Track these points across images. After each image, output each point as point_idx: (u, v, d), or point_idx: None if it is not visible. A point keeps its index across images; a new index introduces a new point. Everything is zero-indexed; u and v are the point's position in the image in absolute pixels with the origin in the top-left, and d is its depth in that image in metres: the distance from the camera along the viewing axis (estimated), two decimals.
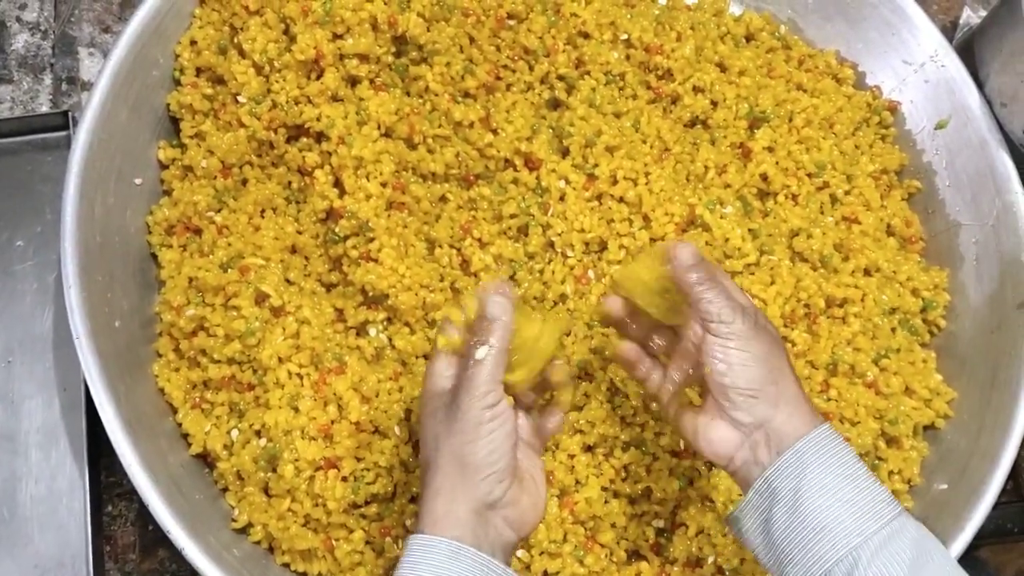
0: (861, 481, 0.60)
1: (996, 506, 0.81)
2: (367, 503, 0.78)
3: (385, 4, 0.86)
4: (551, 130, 0.90)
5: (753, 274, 0.86)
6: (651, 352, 0.71)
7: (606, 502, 0.78)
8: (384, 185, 0.84)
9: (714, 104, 0.94)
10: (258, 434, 0.77)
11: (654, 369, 0.70)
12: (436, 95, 0.88)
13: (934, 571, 0.58)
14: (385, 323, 0.83)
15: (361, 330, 0.83)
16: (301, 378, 0.79)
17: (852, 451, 0.61)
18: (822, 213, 0.92)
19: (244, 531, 0.78)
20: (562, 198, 0.87)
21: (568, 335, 0.84)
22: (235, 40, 0.87)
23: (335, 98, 0.86)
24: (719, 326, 0.62)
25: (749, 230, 0.87)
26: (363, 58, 0.87)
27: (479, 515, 0.61)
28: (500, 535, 0.62)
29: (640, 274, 0.68)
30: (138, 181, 0.85)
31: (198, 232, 0.85)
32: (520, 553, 0.76)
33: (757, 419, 0.62)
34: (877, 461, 0.84)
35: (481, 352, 0.61)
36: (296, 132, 0.86)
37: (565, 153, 0.89)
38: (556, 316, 0.66)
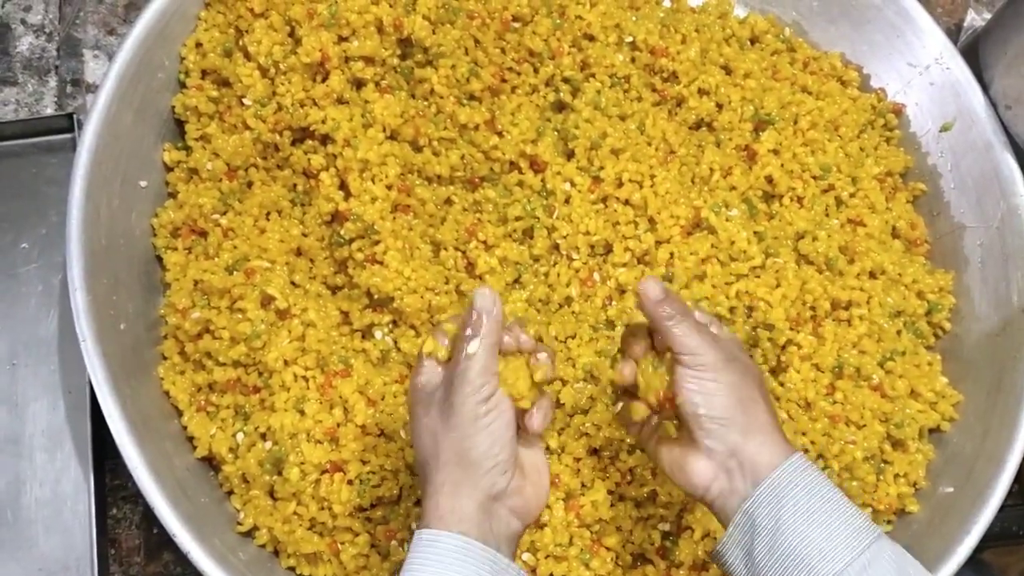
0: (837, 507, 0.60)
1: (1001, 509, 0.81)
2: (373, 506, 0.78)
3: (390, 7, 0.86)
4: (556, 132, 0.89)
5: (759, 276, 0.86)
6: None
7: (612, 505, 0.78)
8: (389, 188, 0.84)
9: (719, 106, 0.94)
10: (263, 437, 0.77)
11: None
12: (441, 97, 0.88)
13: None
14: (391, 326, 0.83)
15: (367, 333, 0.83)
16: (307, 381, 0.79)
17: (826, 479, 0.62)
18: (827, 215, 0.92)
19: (249, 534, 0.78)
20: (567, 200, 0.87)
21: (573, 338, 0.84)
22: (240, 42, 0.87)
23: (340, 101, 0.86)
24: (690, 357, 0.63)
25: (755, 232, 0.87)
26: (368, 61, 0.87)
27: (484, 508, 0.61)
28: (507, 526, 0.63)
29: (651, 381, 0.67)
30: (143, 183, 0.85)
31: (203, 235, 0.85)
32: (526, 556, 0.76)
33: (728, 447, 0.62)
34: (883, 464, 0.84)
35: (473, 346, 0.61)
36: (301, 135, 0.86)
37: (570, 155, 0.89)
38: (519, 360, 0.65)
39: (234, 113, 0.86)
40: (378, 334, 0.83)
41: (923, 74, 1.00)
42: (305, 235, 0.85)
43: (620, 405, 0.70)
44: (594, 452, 0.80)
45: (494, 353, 0.62)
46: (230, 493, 0.79)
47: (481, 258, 0.85)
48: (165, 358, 0.82)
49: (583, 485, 0.79)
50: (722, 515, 0.64)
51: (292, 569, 0.78)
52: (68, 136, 0.94)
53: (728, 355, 0.64)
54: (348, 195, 0.83)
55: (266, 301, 0.80)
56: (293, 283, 0.83)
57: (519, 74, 0.92)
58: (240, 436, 0.78)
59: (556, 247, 0.86)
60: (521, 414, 0.65)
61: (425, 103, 0.89)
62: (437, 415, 0.62)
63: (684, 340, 0.63)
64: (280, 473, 0.76)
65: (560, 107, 0.93)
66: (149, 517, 0.85)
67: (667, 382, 0.65)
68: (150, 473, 0.73)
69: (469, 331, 0.61)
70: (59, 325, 0.90)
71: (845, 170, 0.94)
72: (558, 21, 0.92)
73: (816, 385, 0.84)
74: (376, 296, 0.82)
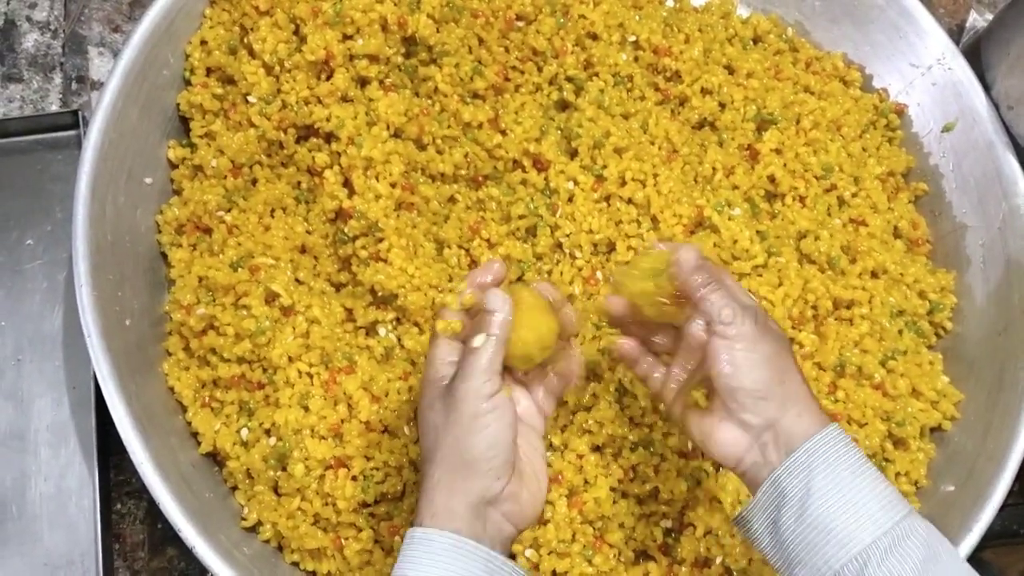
0: (870, 481, 0.59)
1: (1002, 508, 0.82)
2: (376, 502, 0.78)
3: (395, 5, 0.87)
4: (560, 131, 0.90)
5: (761, 276, 0.86)
6: (654, 350, 0.71)
7: (614, 502, 0.79)
8: (393, 186, 0.84)
9: (722, 106, 0.95)
10: (268, 433, 0.78)
11: (655, 367, 0.70)
12: (445, 96, 0.88)
13: (944, 571, 0.57)
14: (394, 323, 0.84)
15: (371, 330, 0.84)
16: (311, 377, 0.79)
17: (860, 451, 0.61)
18: (829, 215, 0.92)
19: (254, 530, 0.78)
20: (570, 199, 0.87)
21: (576, 336, 0.84)
22: (245, 40, 0.87)
23: (345, 99, 0.87)
24: (725, 328, 0.62)
25: (757, 232, 0.87)
26: (373, 59, 0.87)
27: (476, 510, 0.60)
28: (500, 530, 0.62)
29: (635, 278, 0.67)
30: (148, 180, 0.85)
31: (208, 231, 0.85)
32: (528, 553, 0.76)
33: (766, 420, 0.61)
34: (884, 462, 0.84)
35: (479, 340, 0.60)
36: (306, 132, 0.87)
37: (573, 154, 0.89)
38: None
39: (239, 110, 0.86)
40: (382, 331, 0.83)
41: (925, 74, 1.00)
42: (309, 232, 0.86)
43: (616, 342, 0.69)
44: (597, 449, 0.80)
45: (500, 352, 0.61)
46: (234, 488, 0.80)
47: (484, 256, 0.85)
48: (170, 354, 0.82)
49: (586, 482, 0.79)
50: (752, 485, 0.63)
51: (296, 564, 0.78)
52: (73, 133, 0.95)
53: (763, 326, 0.63)
54: (352, 193, 0.84)
55: (270, 298, 0.80)
56: (297, 280, 0.84)
57: (523, 73, 0.92)
58: (245, 432, 0.78)
59: (559, 245, 0.87)
60: (540, 356, 0.64)
61: (429, 101, 0.89)
62: (440, 410, 0.62)
63: (721, 309, 0.61)
64: (284, 469, 0.77)
65: (563, 106, 0.93)
66: (153, 512, 0.85)
67: (652, 288, 0.64)
68: (155, 468, 0.73)
69: (477, 328, 0.61)
70: (64, 321, 0.90)
71: (847, 170, 0.94)
72: (562, 20, 0.92)
73: (818, 384, 0.84)
74: (380, 293, 0.83)
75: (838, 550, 0.57)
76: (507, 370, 0.65)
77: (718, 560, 0.78)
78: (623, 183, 0.87)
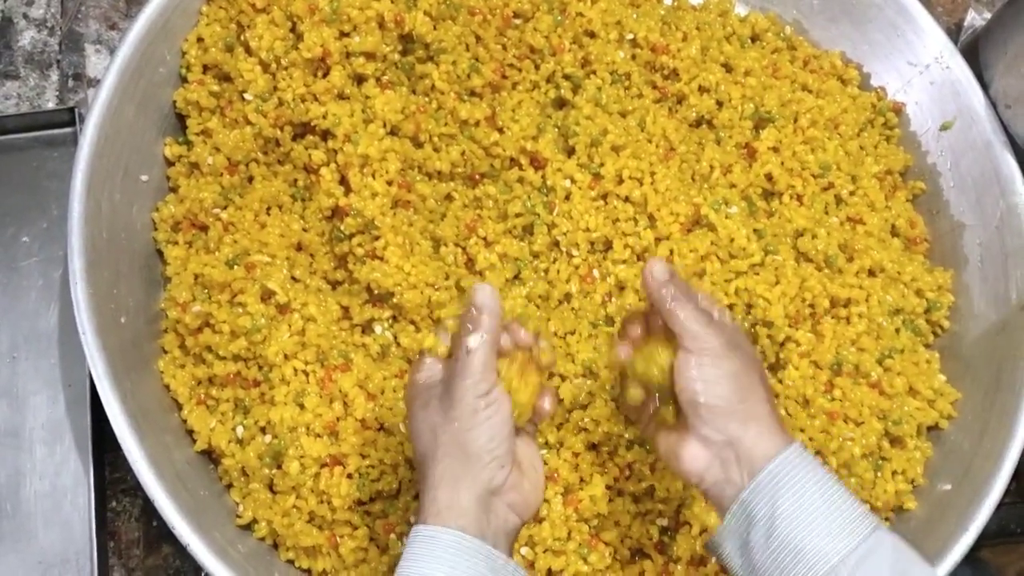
0: (835, 499, 0.60)
1: (999, 507, 0.81)
2: (372, 500, 0.78)
3: (392, 2, 0.87)
4: (557, 129, 0.90)
5: (758, 274, 0.86)
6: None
7: (610, 500, 0.78)
8: (390, 183, 0.84)
9: (719, 104, 0.95)
10: (263, 431, 0.77)
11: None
12: (442, 93, 0.88)
13: None
14: (390, 321, 0.83)
15: (367, 328, 0.83)
16: (307, 375, 0.79)
17: (824, 469, 0.61)
18: (827, 213, 0.92)
19: (249, 527, 0.78)
20: (567, 197, 0.87)
21: (572, 334, 0.84)
22: (242, 38, 0.87)
23: (341, 96, 0.86)
24: (691, 342, 0.62)
25: (754, 230, 0.87)
26: (369, 56, 0.87)
27: (483, 502, 0.61)
28: (505, 521, 0.63)
29: (650, 368, 0.67)
30: (144, 178, 0.85)
31: (204, 229, 0.85)
32: (524, 551, 0.76)
33: (726, 436, 0.62)
34: (881, 461, 0.84)
35: (474, 341, 0.61)
36: (302, 130, 0.86)
37: (571, 152, 0.89)
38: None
39: (235, 108, 0.86)
40: (378, 329, 0.83)
41: (923, 73, 1.00)
42: (305, 230, 0.86)
43: (620, 391, 0.70)
44: (593, 447, 0.80)
45: (494, 348, 0.62)
46: (229, 486, 0.79)
47: (481, 254, 0.85)
48: (165, 352, 0.82)
49: (581, 480, 0.79)
50: (718, 505, 0.63)
51: (291, 562, 0.78)
52: (69, 130, 0.95)
53: (730, 342, 0.63)
54: (348, 190, 0.84)
55: (266, 295, 0.80)
56: (293, 278, 0.83)
57: (520, 70, 0.92)
58: (240, 430, 0.78)
59: (556, 244, 0.86)
60: (529, 408, 0.65)
61: (426, 99, 0.89)
62: (437, 409, 0.62)
63: (686, 324, 0.62)
64: (280, 467, 0.76)
65: (561, 104, 0.93)
66: (148, 510, 0.85)
67: (665, 366, 0.64)
68: (150, 466, 0.73)
69: (469, 326, 0.62)
70: (59, 319, 0.90)
71: (845, 168, 0.94)
72: (559, 18, 0.92)
73: (815, 382, 0.84)
74: (376, 291, 0.82)
75: (807, 570, 0.58)
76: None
77: (714, 559, 0.78)
78: (620, 181, 0.87)
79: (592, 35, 0.94)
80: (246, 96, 0.86)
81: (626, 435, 0.79)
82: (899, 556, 0.59)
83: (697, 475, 0.63)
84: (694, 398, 0.62)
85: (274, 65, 0.86)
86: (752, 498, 0.60)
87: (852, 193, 0.94)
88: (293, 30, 0.87)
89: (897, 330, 0.89)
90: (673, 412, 0.65)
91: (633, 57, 0.95)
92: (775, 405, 0.65)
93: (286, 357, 0.79)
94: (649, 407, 0.68)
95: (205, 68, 0.88)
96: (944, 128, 0.98)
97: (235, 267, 0.81)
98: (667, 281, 0.63)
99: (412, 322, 0.83)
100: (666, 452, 0.66)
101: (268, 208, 0.87)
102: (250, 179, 0.87)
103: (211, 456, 0.81)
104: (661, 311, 0.64)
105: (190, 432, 0.80)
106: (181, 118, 0.89)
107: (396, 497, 0.78)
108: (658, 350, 0.65)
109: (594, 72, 0.93)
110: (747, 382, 0.63)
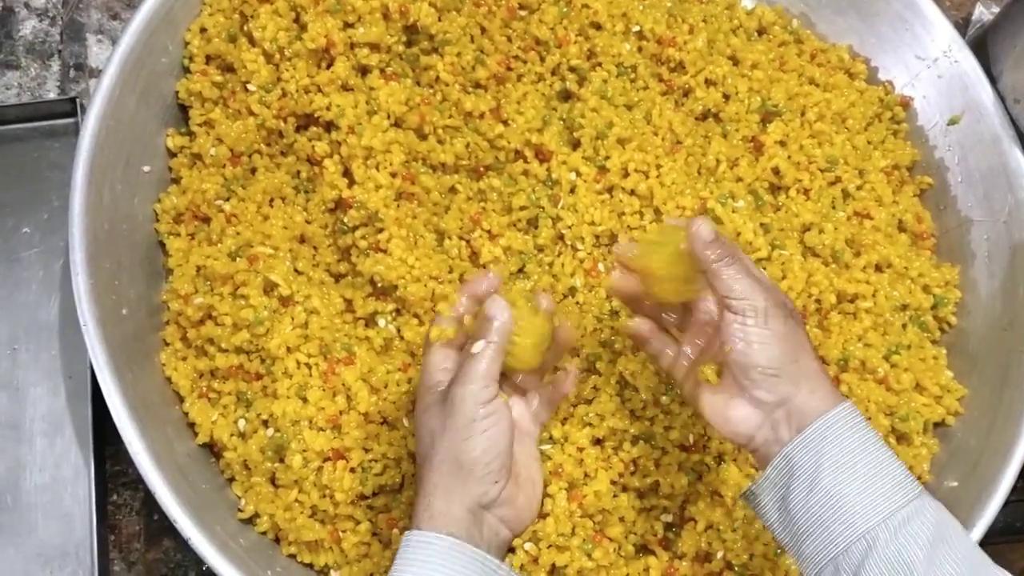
0: (882, 460, 0.59)
1: (1005, 504, 0.81)
2: (375, 494, 0.77)
3: None
4: (562, 122, 0.89)
5: (764, 269, 0.85)
6: (663, 327, 0.70)
7: (615, 496, 0.78)
8: (394, 175, 0.83)
9: (726, 97, 0.94)
10: (265, 424, 0.77)
11: (667, 344, 0.69)
12: (447, 85, 0.88)
13: (953, 552, 0.56)
14: (394, 314, 0.83)
15: (370, 321, 0.83)
16: (309, 368, 0.78)
17: (873, 430, 0.60)
18: (834, 208, 0.91)
19: (250, 521, 0.77)
20: (572, 190, 0.86)
21: (576, 328, 0.83)
22: (245, 28, 0.87)
23: (345, 87, 0.86)
24: (739, 304, 0.61)
25: (761, 224, 0.87)
26: (374, 47, 0.86)
27: (474, 514, 0.61)
28: (496, 534, 0.63)
29: (645, 253, 0.66)
30: (146, 169, 0.84)
31: (206, 220, 0.84)
32: (528, 546, 0.76)
33: (779, 397, 0.61)
34: None
35: (478, 347, 0.61)
36: (306, 121, 0.86)
37: (576, 145, 0.88)
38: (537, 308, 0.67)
39: (238, 99, 0.85)
40: (381, 322, 0.82)
41: (931, 67, 0.99)
42: (309, 222, 0.85)
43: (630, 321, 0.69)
44: (597, 442, 0.80)
45: (499, 359, 0.62)
46: (231, 480, 0.79)
47: (485, 247, 0.84)
48: (167, 344, 0.81)
49: (586, 475, 0.78)
50: (763, 461, 0.62)
51: (293, 556, 0.77)
52: (71, 120, 0.94)
53: (775, 300, 0.62)
54: (352, 182, 0.83)
55: (269, 288, 0.79)
56: (296, 270, 0.83)
57: (525, 62, 0.91)
58: (242, 423, 0.77)
59: (561, 237, 0.86)
60: (536, 360, 0.65)
61: (430, 91, 0.88)
62: (437, 414, 0.63)
63: (734, 284, 0.61)
64: (282, 460, 0.76)
65: (566, 96, 0.92)
66: (149, 503, 0.85)
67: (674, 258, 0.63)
68: (151, 459, 0.72)
69: (477, 334, 0.62)
70: (60, 310, 0.89)
71: (852, 163, 0.93)
72: (565, 9, 0.91)
73: None
74: (379, 284, 0.82)
75: (847, 527, 0.57)
76: (503, 376, 0.66)
77: (719, 555, 0.77)
78: (626, 174, 0.87)
79: (598, 27, 0.93)
80: (249, 87, 0.85)
81: (631, 430, 0.78)
82: (941, 524, 0.57)
83: (747, 436, 0.62)
84: (744, 360, 0.61)
85: (277, 56, 0.85)
86: (797, 451, 0.59)
87: (859, 188, 0.93)
88: (297, 20, 0.86)
89: (904, 326, 0.88)
90: (715, 371, 0.64)
91: (639, 49, 0.94)
92: (823, 363, 0.63)
93: (289, 350, 0.78)
94: (679, 355, 0.66)
95: (208, 58, 0.87)
96: (952, 122, 0.97)
97: (237, 259, 0.80)
98: (712, 241, 0.62)
99: (416, 315, 0.83)
100: (711, 413, 0.64)
101: (271, 200, 0.86)
102: (253, 170, 0.87)
103: (212, 449, 0.80)
104: (707, 271, 0.62)
105: (191, 425, 0.79)
106: (183, 109, 0.88)
107: (399, 491, 0.78)
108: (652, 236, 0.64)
109: (600, 64, 0.92)
110: (796, 341, 0.62)
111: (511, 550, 0.71)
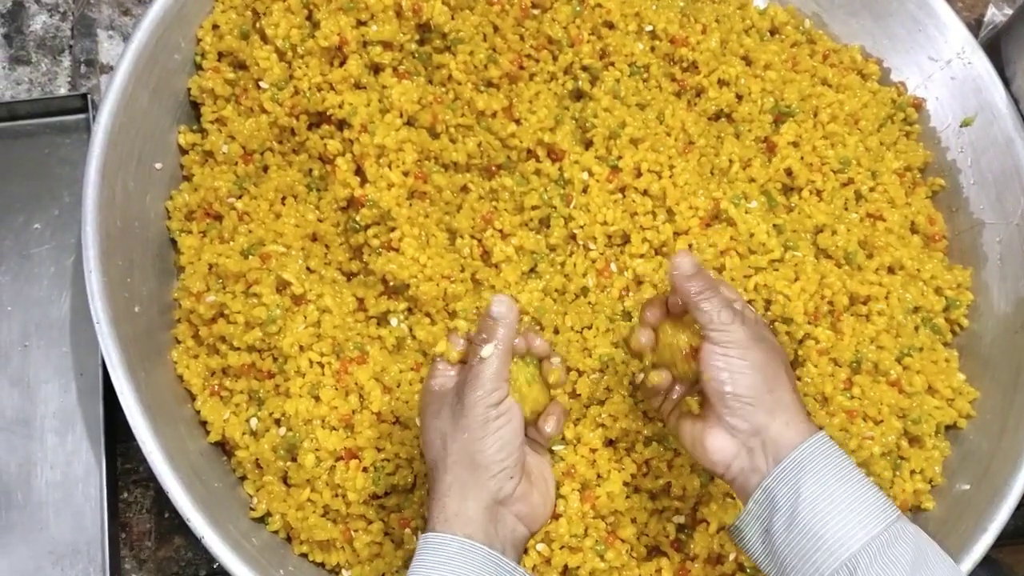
0: (858, 487, 0.60)
1: (1018, 507, 0.81)
2: (387, 494, 0.77)
3: None
4: (574, 121, 0.89)
5: (777, 270, 0.85)
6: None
7: (627, 497, 0.78)
8: (406, 174, 0.83)
9: (739, 97, 0.94)
10: (278, 423, 0.77)
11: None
12: (459, 84, 0.87)
13: (933, 574, 0.58)
14: (406, 313, 0.83)
15: (382, 320, 0.83)
16: (322, 367, 0.78)
17: (848, 458, 0.62)
18: (846, 209, 0.91)
19: (263, 520, 0.77)
20: (585, 190, 0.86)
21: (589, 328, 0.83)
22: (258, 25, 0.86)
23: (358, 85, 0.86)
24: (718, 334, 0.63)
25: (774, 225, 0.86)
26: (387, 45, 0.86)
27: (491, 512, 0.61)
28: (512, 531, 0.64)
29: (673, 348, 0.67)
30: (158, 166, 0.84)
31: (218, 218, 0.84)
32: (540, 547, 0.76)
33: (753, 426, 0.62)
34: (899, 460, 0.83)
35: (487, 350, 0.62)
36: (318, 119, 0.86)
37: (588, 144, 0.88)
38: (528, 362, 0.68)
39: (250, 96, 0.85)
40: (393, 321, 0.82)
41: (944, 68, 0.99)
42: (321, 220, 0.85)
43: (642, 375, 0.70)
44: (610, 443, 0.80)
45: (507, 359, 0.63)
46: (243, 478, 0.79)
47: (497, 247, 0.84)
48: (179, 342, 0.81)
49: (599, 476, 0.78)
50: (742, 493, 0.64)
51: (305, 556, 0.77)
52: (82, 116, 0.94)
53: (755, 333, 0.64)
54: (364, 181, 0.83)
55: (281, 286, 0.79)
56: (308, 269, 0.83)
57: (537, 61, 0.91)
58: (254, 421, 0.77)
59: (573, 237, 0.86)
60: (532, 420, 0.66)
61: (443, 89, 0.88)
62: (448, 417, 0.63)
63: (713, 315, 0.63)
64: (294, 459, 0.76)
65: (578, 95, 0.92)
66: (160, 501, 0.85)
67: (686, 346, 0.65)
68: (164, 457, 0.72)
69: (484, 336, 0.62)
70: (71, 307, 0.89)
71: (865, 164, 0.93)
72: (578, 8, 0.91)
73: (834, 380, 0.83)
74: (391, 283, 0.82)
75: (827, 557, 0.58)
76: None
77: (731, 557, 0.77)
78: (638, 174, 0.86)
79: (611, 26, 0.93)
80: (261, 84, 0.85)
81: (644, 431, 0.78)
82: (920, 547, 0.59)
83: (723, 464, 0.64)
84: (721, 388, 0.62)
85: (290, 53, 0.85)
86: (775, 485, 0.61)
87: (872, 189, 0.93)
88: (309, 18, 0.86)
89: (916, 328, 0.88)
90: (697, 401, 0.65)
91: (652, 49, 0.94)
92: (799, 395, 0.65)
93: (301, 349, 0.78)
94: (673, 392, 0.69)
95: (220, 56, 0.87)
96: (965, 124, 0.97)
97: (250, 257, 0.80)
98: (693, 275, 0.64)
99: (428, 314, 0.83)
100: (691, 442, 0.66)
101: (283, 198, 0.86)
102: (265, 168, 0.86)
103: (225, 448, 0.80)
104: (688, 304, 0.64)
105: (203, 423, 0.79)
106: (196, 106, 0.88)
107: (411, 491, 0.78)
108: (679, 334, 0.66)
109: (612, 64, 0.92)
110: (773, 372, 0.63)
111: (525, 551, 0.71)
